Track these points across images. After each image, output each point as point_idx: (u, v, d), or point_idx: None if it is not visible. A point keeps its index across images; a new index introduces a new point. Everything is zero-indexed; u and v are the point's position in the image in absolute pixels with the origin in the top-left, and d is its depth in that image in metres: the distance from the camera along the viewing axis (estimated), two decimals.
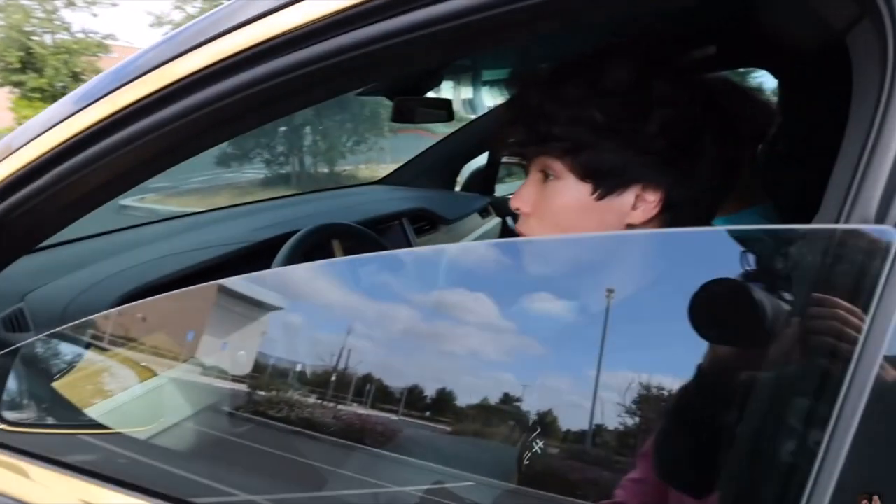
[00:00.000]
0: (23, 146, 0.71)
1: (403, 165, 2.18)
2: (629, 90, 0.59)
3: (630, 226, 0.62)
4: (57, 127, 0.69)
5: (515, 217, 0.69)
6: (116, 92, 0.65)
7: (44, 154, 0.70)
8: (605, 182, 0.60)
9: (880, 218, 0.36)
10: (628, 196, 0.61)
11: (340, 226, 1.06)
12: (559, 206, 0.62)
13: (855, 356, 0.34)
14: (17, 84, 17.33)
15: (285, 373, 0.60)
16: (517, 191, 0.67)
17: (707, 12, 1.37)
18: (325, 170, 7.14)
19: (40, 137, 0.71)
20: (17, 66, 16.87)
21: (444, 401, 0.49)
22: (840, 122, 0.44)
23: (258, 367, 0.61)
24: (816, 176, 0.48)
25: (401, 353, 0.54)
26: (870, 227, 0.35)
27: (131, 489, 0.61)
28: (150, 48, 0.66)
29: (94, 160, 0.68)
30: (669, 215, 0.62)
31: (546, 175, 0.64)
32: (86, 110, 0.68)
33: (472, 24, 0.47)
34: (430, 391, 0.49)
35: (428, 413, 0.49)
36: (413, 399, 0.50)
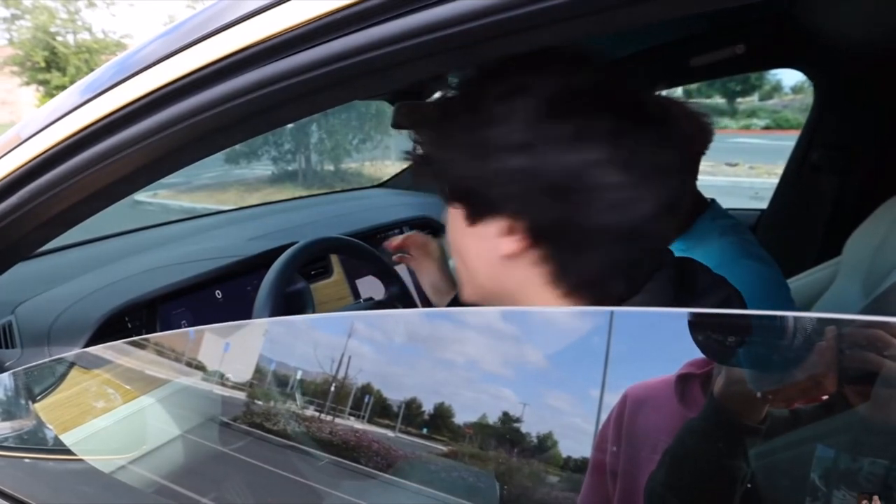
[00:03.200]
0: (32, 136, 0.63)
1: (407, 168, 2.09)
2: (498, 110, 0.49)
3: (505, 257, 0.52)
4: (24, 144, 0.61)
5: None
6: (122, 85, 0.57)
7: (51, 147, 0.62)
8: (467, 207, 0.53)
9: None
10: (492, 226, 0.51)
11: (335, 240, 0.98)
12: (451, 231, 0.57)
13: None
14: (42, 82, 17.32)
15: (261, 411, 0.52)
16: None
17: (743, 10, 1.29)
18: (331, 168, 7.05)
19: (8, 155, 0.63)
20: (43, 65, 16.89)
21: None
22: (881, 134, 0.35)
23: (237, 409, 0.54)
24: (857, 184, 0.40)
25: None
26: None
27: None
28: (151, 40, 0.58)
29: (98, 159, 0.61)
30: (547, 249, 0.50)
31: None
32: (92, 102, 0.59)
33: (475, 30, 0.40)
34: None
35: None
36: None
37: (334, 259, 1.28)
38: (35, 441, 0.69)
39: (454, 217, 0.55)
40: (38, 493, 0.66)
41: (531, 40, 0.43)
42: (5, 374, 0.67)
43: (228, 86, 0.52)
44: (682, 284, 0.51)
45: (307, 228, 1.32)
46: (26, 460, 0.68)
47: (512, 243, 0.50)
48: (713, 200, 1.05)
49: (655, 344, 0.38)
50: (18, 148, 0.64)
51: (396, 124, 1.30)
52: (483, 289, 0.56)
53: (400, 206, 1.68)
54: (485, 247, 0.52)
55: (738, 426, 0.34)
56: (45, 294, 0.95)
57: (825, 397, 0.31)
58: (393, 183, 2.06)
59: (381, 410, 0.45)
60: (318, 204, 1.74)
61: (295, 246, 0.89)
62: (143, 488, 0.64)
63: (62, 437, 0.68)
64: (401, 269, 1.19)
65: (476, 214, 0.52)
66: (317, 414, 0.49)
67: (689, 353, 0.35)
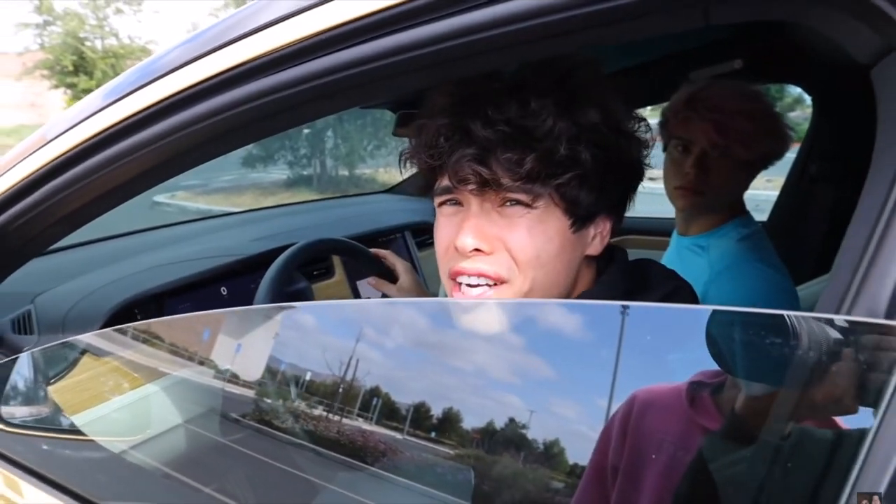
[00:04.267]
0: (13, 167, 0.69)
1: (414, 174, 2.13)
2: (605, 120, 0.54)
3: (588, 257, 0.58)
4: (48, 146, 0.67)
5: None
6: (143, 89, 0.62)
7: (35, 171, 0.68)
8: (585, 213, 0.55)
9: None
10: (592, 227, 0.57)
11: (335, 242, 1.03)
12: (540, 240, 0.54)
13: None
14: (70, 86, 17.72)
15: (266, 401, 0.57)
16: (466, 228, 0.54)
17: (742, 27, 1.31)
18: (346, 173, 7.15)
19: (32, 156, 0.69)
20: (71, 69, 17.27)
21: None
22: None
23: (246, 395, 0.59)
24: (849, 196, 0.42)
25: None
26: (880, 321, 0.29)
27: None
28: (174, 47, 0.63)
29: (116, 159, 0.66)
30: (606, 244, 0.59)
31: (508, 206, 0.54)
32: (113, 106, 0.64)
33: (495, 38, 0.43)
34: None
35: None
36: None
37: (336, 260, 1.33)
38: (49, 421, 0.74)
39: (554, 227, 0.54)
40: (54, 469, 0.71)
41: (569, 43, 0.45)
42: (24, 354, 0.73)
43: (241, 91, 0.56)
44: (633, 278, 0.55)
45: (311, 231, 1.37)
46: (42, 438, 0.74)
47: (601, 243, 0.58)
48: (747, 211, 1.06)
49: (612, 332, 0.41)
50: (43, 148, 0.70)
51: (397, 133, 1.35)
52: (538, 282, 0.55)
53: (404, 211, 1.73)
54: (578, 251, 0.57)
55: (759, 441, 0.33)
56: (62, 287, 1.01)
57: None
58: (399, 189, 2.11)
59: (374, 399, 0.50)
60: (325, 208, 1.79)
61: (295, 246, 0.94)
62: (148, 469, 0.69)
63: (73, 418, 0.74)
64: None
65: (585, 220, 0.55)
66: (308, 399, 0.53)
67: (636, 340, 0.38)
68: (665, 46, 1.44)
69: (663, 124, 1.02)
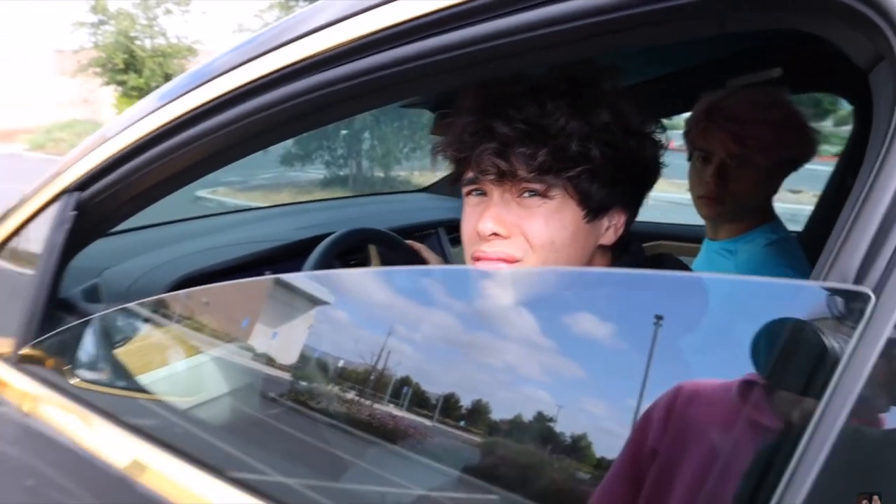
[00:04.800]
0: (98, 146, 0.79)
1: (448, 174, 2.20)
2: (616, 121, 0.61)
3: (602, 247, 0.64)
4: (129, 129, 0.76)
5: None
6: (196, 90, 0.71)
7: (117, 153, 0.78)
8: (598, 206, 0.62)
9: (860, 278, 0.33)
10: (606, 219, 0.63)
11: (372, 231, 1.10)
12: (554, 228, 0.60)
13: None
14: (120, 83, 18.38)
15: (319, 366, 0.63)
16: (487, 215, 0.61)
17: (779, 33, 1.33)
18: (381, 174, 7.29)
19: (114, 139, 0.78)
20: (122, 67, 17.90)
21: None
22: None
23: (296, 359, 0.65)
24: None
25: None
26: (846, 287, 0.34)
27: (176, 453, 0.65)
28: (227, 52, 0.71)
29: (161, 157, 0.75)
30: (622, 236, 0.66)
31: (527, 196, 0.61)
32: (153, 114, 0.74)
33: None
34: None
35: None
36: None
37: (372, 251, 1.40)
38: (114, 378, 0.83)
39: (568, 218, 0.60)
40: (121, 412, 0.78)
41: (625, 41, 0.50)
42: (95, 316, 0.82)
43: (284, 90, 0.64)
44: (646, 267, 0.61)
45: (349, 223, 1.44)
46: (109, 393, 0.82)
47: (614, 234, 0.64)
48: (777, 217, 1.08)
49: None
50: (118, 136, 0.79)
51: (435, 131, 1.42)
52: (551, 265, 0.61)
53: (438, 209, 1.80)
54: (591, 240, 0.63)
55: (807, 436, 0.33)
56: (125, 264, 1.12)
57: None
58: (434, 188, 2.18)
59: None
60: (362, 203, 1.88)
61: (336, 233, 1.01)
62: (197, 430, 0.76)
63: (136, 377, 0.83)
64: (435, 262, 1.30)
65: (600, 212, 0.62)
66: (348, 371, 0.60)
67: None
68: (703, 53, 1.47)
69: (686, 135, 1.05)
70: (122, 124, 0.77)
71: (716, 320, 0.40)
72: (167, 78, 18.11)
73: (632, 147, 0.61)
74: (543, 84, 0.60)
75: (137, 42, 17.63)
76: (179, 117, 0.72)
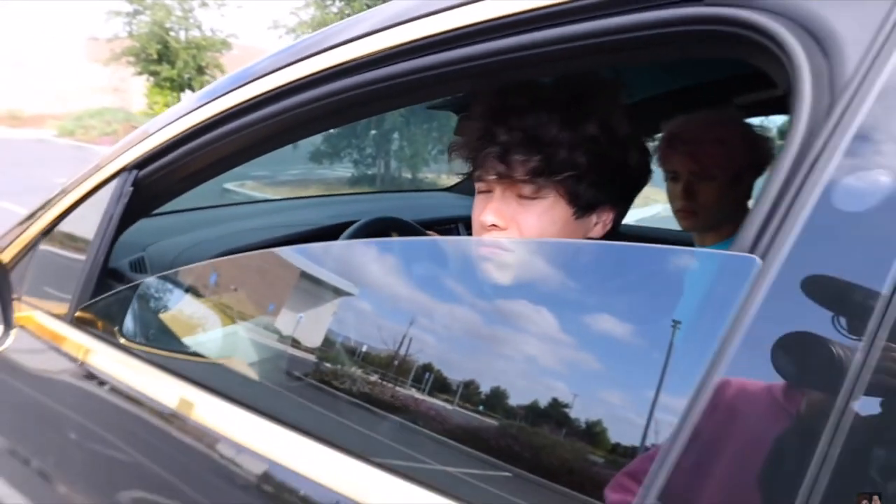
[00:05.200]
0: (157, 131, 0.91)
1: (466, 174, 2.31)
2: (603, 133, 0.70)
3: (590, 238, 0.74)
4: (183, 118, 0.88)
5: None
6: (232, 92, 0.82)
7: (172, 137, 0.89)
8: (586, 204, 0.71)
9: (754, 247, 0.41)
10: (595, 215, 0.73)
11: (397, 220, 1.21)
12: (545, 222, 0.70)
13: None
14: (152, 73, 18.79)
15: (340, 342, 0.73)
16: (488, 209, 0.71)
17: None
18: (408, 175, 7.43)
19: (170, 125, 0.90)
20: (155, 57, 18.29)
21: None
22: None
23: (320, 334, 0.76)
24: None
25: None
26: (732, 254, 0.42)
27: (217, 394, 0.74)
28: (272, 55, 0.82)
29: (209, 143, 0.86)
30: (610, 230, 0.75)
31: (523, 195, 0.70)
32: (206, 106, 0.85)
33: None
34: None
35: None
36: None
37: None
38: (159, 339, 0.95)
39: (557, 214, 0.70)
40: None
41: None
42: (142, 281, 0.93)
43: (318, 91, 0.75)
44: None
45: (376, 215, 1.56)
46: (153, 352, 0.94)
47: (604, 227, 0.73)
48: None
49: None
50: (161, 130, 0.91)
51: (458, 133, 1.52)
52: None
53: (459, 206, 1.90)
54: (580, 233, 0.73)
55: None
56: (167, 241, 1.24)
57: None
58: (456, 188, 2.29)
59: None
60: (388, 199, 2.00)
61: (362, 220, 1.12)
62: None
63: (180, 339, 0.94)
64: None
65: (588, 209, 0.72)
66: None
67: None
68: (707, 72, 1.54)
69: (658, 159, 1.17)
70: (178, 113, 0.89)
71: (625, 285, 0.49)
72: (200, 70, 18.57)
73: (617, 155, 0.70)
74: (544, 97, 0.70)
75: (172, 33, 18.02)
76: (227, 110, 0.83)
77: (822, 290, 0.40)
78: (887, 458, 0.37)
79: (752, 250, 0.42)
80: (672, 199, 1.16)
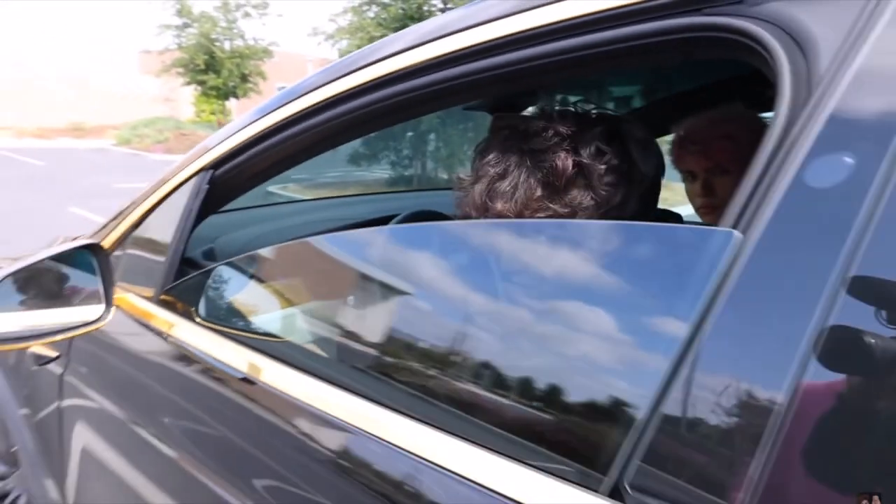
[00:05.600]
0: (230, 135, 1.05)
1: None
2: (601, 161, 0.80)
3: None
4: (252, 124, 1.02)
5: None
6: (288, 105, 0.96)
7: (243, 141, 1.03)
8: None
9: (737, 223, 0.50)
10: None
11: (435, 213, 1.32)
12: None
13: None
14: (199, 83, 19.47)
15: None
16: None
17: None
18: (444, 175, 7.55)
19: (242, 130, 1.04)
20: (202, 67, 18.94)
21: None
22: None
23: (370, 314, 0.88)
24: None
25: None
26: (715, 229, 0.51)
27: (284, 363, 0.86)
28: (319, 72, 0.96)
29: (275, 146, 1.00)
30: None
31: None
32: (270, 114, 0.99)
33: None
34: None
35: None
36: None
37: None
38: (231, 318, 1.09)
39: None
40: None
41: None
42: (216, 266, 1.08)
43: (370, 97, 0.87)
44: None
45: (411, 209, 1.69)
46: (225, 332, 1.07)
47: None
48: None
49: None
50: (235, 133, 1.04)
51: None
52: None
53: None
54: None
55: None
56: (234, 233, 1.39)
57: None
58: None
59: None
60: (425, 196, 2.12)
61: (404, 213, 1.24)
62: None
63: (248, 319, 1.08)
64: None
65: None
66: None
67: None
68: (708, 75, 1.58)
69: (672, 162, 1.24)
70: (249, 119, 1.03)
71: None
72: (244, 78, 19.16)
73: (633, 176, 0.80)
74: (554, 116, 0.81)
75: (217, 44, 18.72)
76: (289, 117, 0.96)
77: (796, 260, 0.46)
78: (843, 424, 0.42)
79: (734, 226, 0.50)
80: (692, 197, 1.23)
